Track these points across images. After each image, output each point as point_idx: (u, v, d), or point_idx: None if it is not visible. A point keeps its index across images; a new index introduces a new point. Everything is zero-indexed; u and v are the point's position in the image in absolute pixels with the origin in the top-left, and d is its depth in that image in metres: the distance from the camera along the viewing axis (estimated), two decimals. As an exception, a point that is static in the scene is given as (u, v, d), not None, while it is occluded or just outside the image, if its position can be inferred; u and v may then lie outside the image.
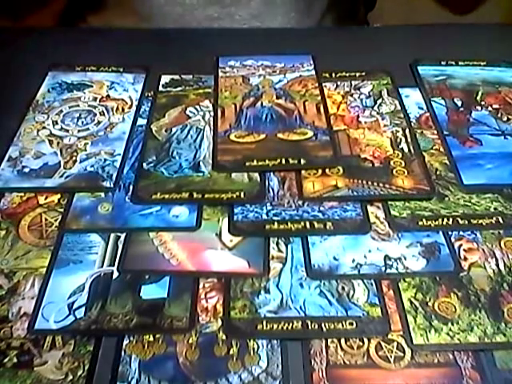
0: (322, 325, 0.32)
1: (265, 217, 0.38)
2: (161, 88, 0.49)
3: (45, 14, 0.64)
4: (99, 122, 0.46)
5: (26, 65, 0.53)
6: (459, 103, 0.47)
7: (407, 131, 0.44)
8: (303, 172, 0.40)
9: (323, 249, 0.36)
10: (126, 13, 0.62)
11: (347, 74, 0.51)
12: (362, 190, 0.39)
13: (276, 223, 0.37)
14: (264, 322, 0.32)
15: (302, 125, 0.44)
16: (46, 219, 0.38)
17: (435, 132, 0.44)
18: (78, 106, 0.48)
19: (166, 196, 0.39)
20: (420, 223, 0.37)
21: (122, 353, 0.31)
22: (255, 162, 0.41)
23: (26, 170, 0.41)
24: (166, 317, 0.33)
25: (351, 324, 0.32)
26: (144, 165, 0.41)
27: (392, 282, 0.34)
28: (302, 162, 0.41)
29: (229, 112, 0.46)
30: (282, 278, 0.35)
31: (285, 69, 0.51)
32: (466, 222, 0.37)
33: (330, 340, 0.32)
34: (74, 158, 0.42)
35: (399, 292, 0.34)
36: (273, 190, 0.40)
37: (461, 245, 0.36)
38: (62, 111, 0.47)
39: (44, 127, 0.45)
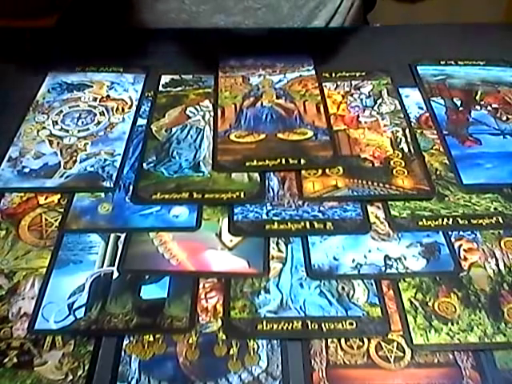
0: (322, 325, 0.32)
1: (265, 217, 0.38)
2: (161, 88, 0.49)
3: (48, 19, 0.64)
4: (99, 122, 0.46)
5: (26, 65, 0.53)
6: (458, 103, 0.47)
7: (407, 131, 0.44)
8: (303, 172, 0.40)
9: (323, 249, 0.36)
10: (130, 20, 0.62)
11: (347, 74, 0.51)
12: (362, 190, 0.39)
13: (276, 223, 0.37)
14: (264, 322, 0.32)
15: (302, 125, 0.44)
16: (46, 219, 0.38)
17: (435, 132, 0.44)
18: (78, 106, 0.48)
19: (166, 196, 0.39)
20: (420, 223, 0.37)
21: (122, 353, 0.31)
22: (255, 162, 0.41)
23: (26, 170, 0.41)
24: (166, 317, 0.33)
25: (351, 324, 0.32)
26: (144, 165, 0.41)
27: (392, 282, 0.34)
28: (302, 162, 0.41)
29: (229, 112, 0.46)
30: (281, 278, 0.35)
31: (285, 69, 0.51)
32: (466, 221, 0.37)
33: (330, 340, 0.32)
34: (74, 158, 0.42)
35: (399, 292, 0.34)
36: (273, 189, 0.40)
37: (461, 245, 0.36)
38: (62, 111, 0.47)
39: (44, 127, 0.45)
